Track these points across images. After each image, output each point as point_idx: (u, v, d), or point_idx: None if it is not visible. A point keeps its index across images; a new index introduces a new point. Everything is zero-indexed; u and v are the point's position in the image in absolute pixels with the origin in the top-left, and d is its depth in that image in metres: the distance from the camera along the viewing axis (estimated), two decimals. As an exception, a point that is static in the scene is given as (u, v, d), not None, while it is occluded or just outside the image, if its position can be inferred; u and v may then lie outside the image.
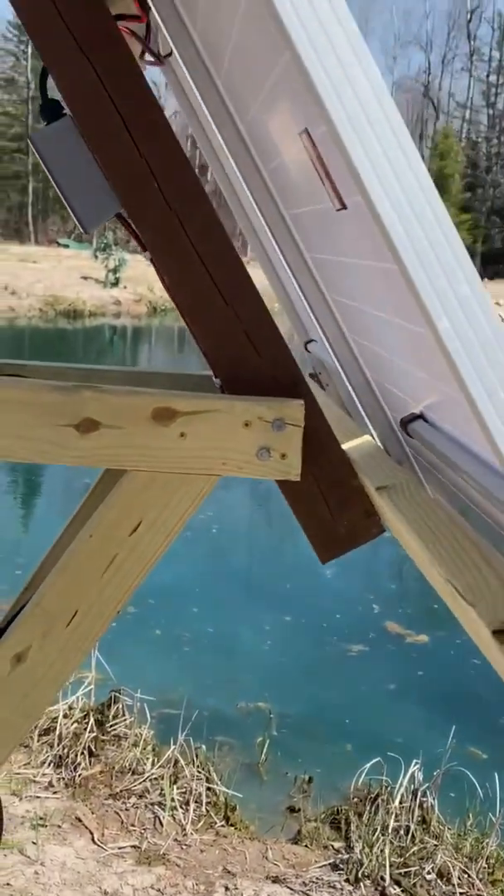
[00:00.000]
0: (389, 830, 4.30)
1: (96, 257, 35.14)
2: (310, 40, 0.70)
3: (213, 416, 1.49)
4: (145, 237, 1.50)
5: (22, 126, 59.86)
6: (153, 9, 1.49)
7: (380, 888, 3.95)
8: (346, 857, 4.17)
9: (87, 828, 4.20)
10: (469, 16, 72.31)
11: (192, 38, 1.45)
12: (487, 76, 71.55)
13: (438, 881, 4.04)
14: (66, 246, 54.86)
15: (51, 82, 1.52)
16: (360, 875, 4.01)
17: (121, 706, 5.00)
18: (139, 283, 36.10)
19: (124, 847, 4.10)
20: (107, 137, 1.45)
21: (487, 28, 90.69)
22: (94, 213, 1.51)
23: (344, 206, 0.96)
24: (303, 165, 1.16)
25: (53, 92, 1.55)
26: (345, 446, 1.58)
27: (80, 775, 4.56)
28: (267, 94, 1.16)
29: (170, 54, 1.84)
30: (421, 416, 1.21)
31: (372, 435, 1.67)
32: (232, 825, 4.42)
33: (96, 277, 34.29)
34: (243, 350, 1.52)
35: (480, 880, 4.07)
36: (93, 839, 4.13)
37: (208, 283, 1.50)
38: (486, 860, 4.21)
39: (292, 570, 8.06)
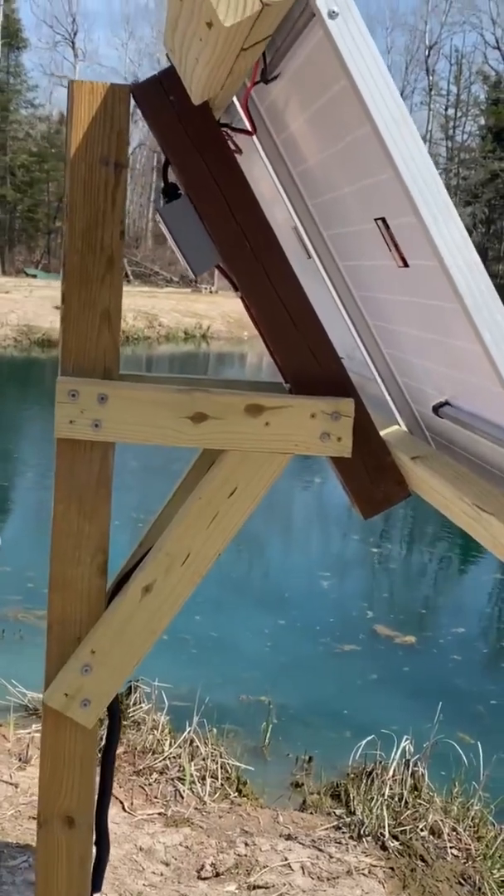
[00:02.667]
0: (385, 797, 4.83)
1: (68, 287, 35.57)
2: (408, 168, 1.27)
3: (288, 410, 2.05)
4: (238, 282, 2.07)
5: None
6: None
7: (380, 842, 4.48)
8: (347, 820, 4.70)
9: (116, 798, 4.69)
10: (427, 51, 74.19)
11: (276, 144, 2.03)
12: (446, 110, 73.47)
13: (431, 837, 4.58)
14: (35, 276, 55.52)
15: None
16: (361, 833, 4.54)
17: (139, 695, 5.50)
18: (110, 312, 36.52)
19: (152, 814, 4.60)
20: (213, 211, 2.01)
21: (445, 63, 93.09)
22: (201, 263, 2.07)
23: (406, 265, 1.53)
24: (367, 236, 1.74)
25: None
26: (381, 433, 2.15)
27: (105, 756, 5.04)
28: (343, 193, 1.73)
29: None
30: (447, 403, 1.77)
31: (399, 424, 2.24)
32: (244, 796, 4.93)
33: (68, 307, 34.68)
34: (308, 362, 2.09)
35: (468, 836, 4.62)
36: (123, 808, 4.62)
37: (284, 315, 2.06)
38: (472, 820, 4.76)
39: (291, 580, 8.72)
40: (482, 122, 66.51)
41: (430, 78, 73.94)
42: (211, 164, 1.99)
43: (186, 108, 1.94)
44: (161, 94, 1.97)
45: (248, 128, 2.04)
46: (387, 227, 1.53)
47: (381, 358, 2.18)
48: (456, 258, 1.26)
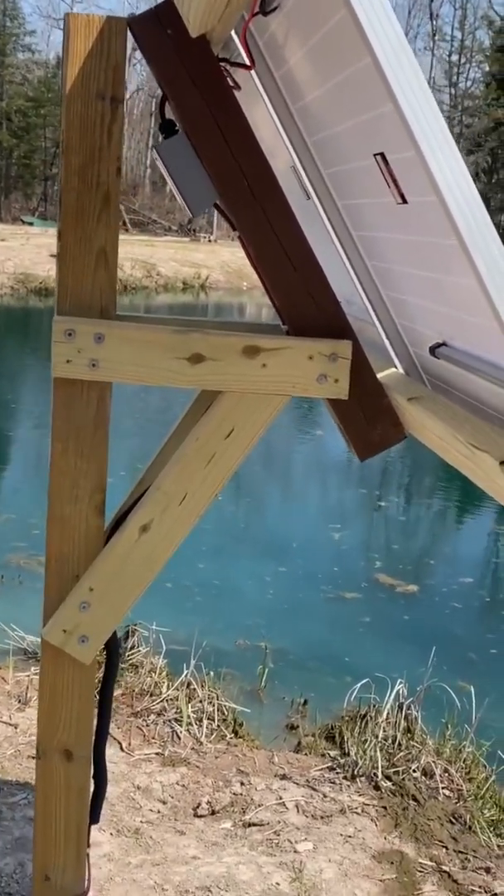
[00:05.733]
0: (379, 739, 4.92)
1: (65, 236, 35.22)
2: (406, 99, 1.26)
3: (286, 352, 2.04)
4: (236, 221, 2.05)
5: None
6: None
7: (373, 783, 4.57)
8: (341, 761, 4.78)
9: (115, 739, 4.78)
10: (432, -5, 72.44)
11: (274, 80, 2.00)
12: (450, 56, 71.98)
13: (423, 778, 4.67)
14: (31, 224, 54.97)
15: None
16: (355, 773, 4.63)
17: (137, 639, 5.57)
18: (108, 261, 36.16)
19: (149, 754, 4.69)
20: (211, 148, 1.99)
21: (449, 7, 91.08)
22: (199, 202, 2.05)
23: (405, 202, 1.52)
24: (366, 173, 1.72)
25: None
26: (378, 375, 2.15)
27: (104, 698, 5.12)
28: (342, 128, 1.71)
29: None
30: (444, 344, 1.77)
31: (397, 367, 2.24)
32: (240, 737, 5.02)
33: (66, 256, 34.35)
34: (307, 305, 2.08)
35: (460, 777, 4.71)
36: (121, 748, 4.71)
37: (282, 255, 2.05)
38: (464, 762, 4.85)
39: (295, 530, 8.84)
40: (486, 68, 65.24)
41: (434, 23, 72.29)
42: (208, 98, 1.96)
43: (184, 42, 1.91)
44: (158, 28, 1.94)
45: (247, 62, 2.01)
46: (386, 162, 1.52)
47: (379, 299, 2.17)
48: (454, 192, 1.26)
